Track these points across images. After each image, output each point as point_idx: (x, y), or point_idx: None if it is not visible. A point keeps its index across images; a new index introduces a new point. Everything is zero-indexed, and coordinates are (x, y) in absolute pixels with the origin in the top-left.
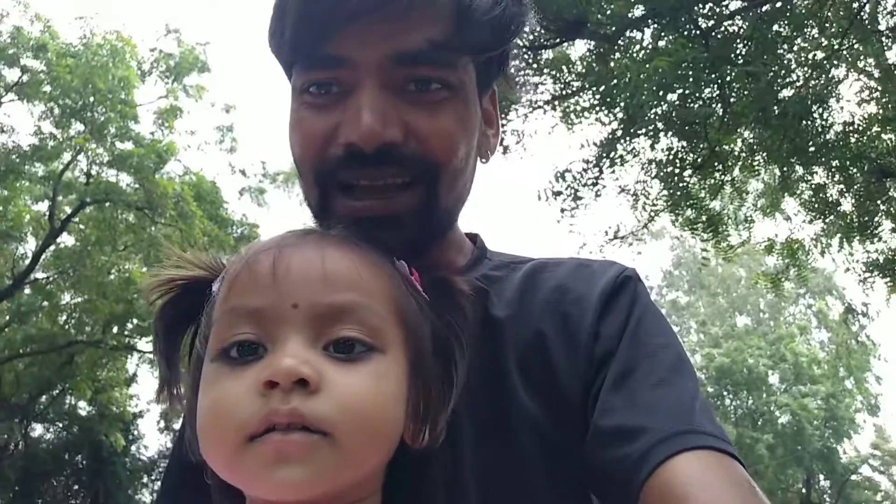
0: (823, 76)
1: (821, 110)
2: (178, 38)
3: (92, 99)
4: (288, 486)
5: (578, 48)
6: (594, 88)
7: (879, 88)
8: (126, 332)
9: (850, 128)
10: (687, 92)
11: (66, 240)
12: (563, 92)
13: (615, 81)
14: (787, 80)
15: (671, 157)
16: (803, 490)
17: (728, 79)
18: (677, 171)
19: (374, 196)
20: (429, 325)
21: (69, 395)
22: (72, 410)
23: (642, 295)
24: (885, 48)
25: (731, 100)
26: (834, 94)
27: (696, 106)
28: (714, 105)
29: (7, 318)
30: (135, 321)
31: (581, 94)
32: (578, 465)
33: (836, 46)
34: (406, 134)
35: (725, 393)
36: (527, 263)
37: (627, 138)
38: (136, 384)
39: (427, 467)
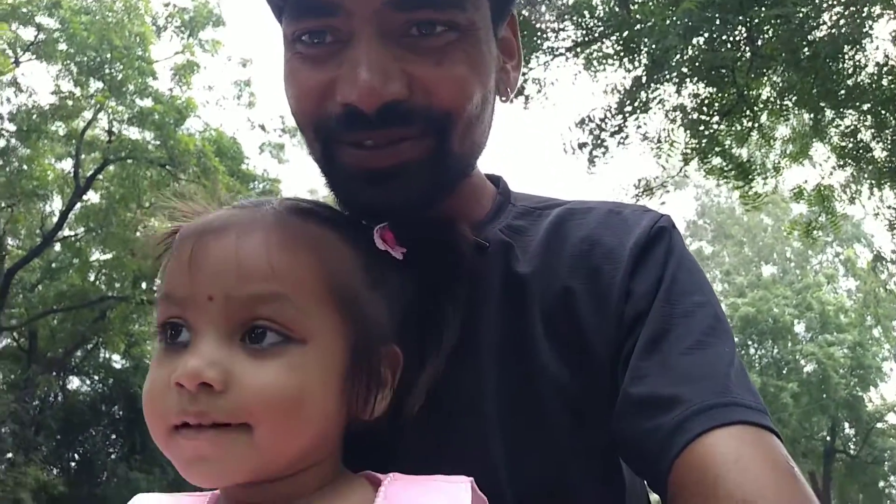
0: (856, 15)
1: (853, 51)
2: None
3: (109, 56)
4: (207, 480)
5: None
6: (617, 34)
7: None
8: (154, 288)
9: (884, 69)
10: (714, 35)
11: (92, 197)
12: (585, 38)
13: (639, 26)
14: (818, 20)
15: (698, 103)
16: (828, 438)
17: (756, 21)
18: (704, 117)
19: (379, 147)
20: (398, 290)
21: (103, 349)
22: (106, 364)
23: (677, 246)
24: None
25: (760, 42)
26: (868, 34)
27: (724, 49)
28: (742, 48)
29: (39, 275)
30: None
31: (604, 40)
32: (607, 432)
33: None
34: (410, 87)
35: (750, 343)
36: (554, 209)
37: (652, 85)
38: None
39: (408, 431)
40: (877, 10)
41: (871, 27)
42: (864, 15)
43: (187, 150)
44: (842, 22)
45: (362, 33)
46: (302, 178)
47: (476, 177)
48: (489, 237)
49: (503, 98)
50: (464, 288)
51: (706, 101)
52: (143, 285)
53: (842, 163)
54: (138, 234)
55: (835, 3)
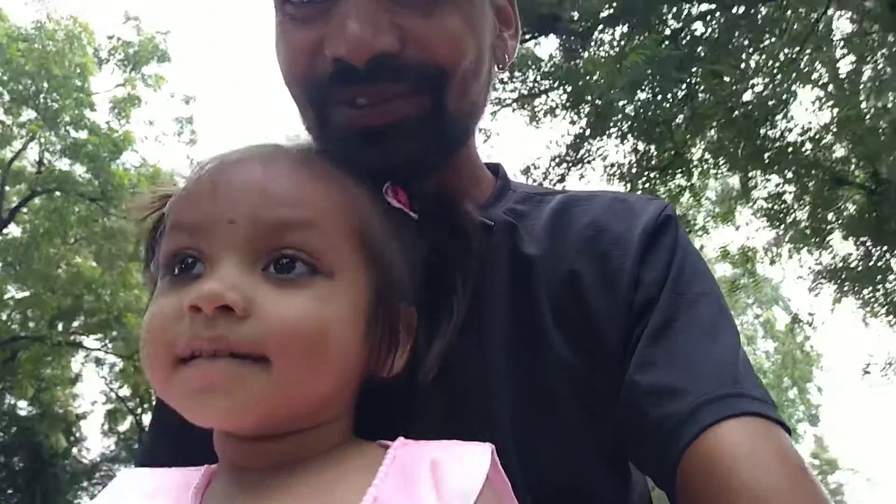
0: (783, 83)
1: (780, 116)
2: (137, 27)
3: (46, 85)
4: (214, 416)
5: (545, 48)
6: (564, 87)
7: (832, 99)
8: (72, 329)
9: (807, 135)
10: (655, 91)
11: (14, 231)
12: (532, 90)
13: (586, 79)
14: (750, 84)
15: (637, 158)
16: None
17: (695, 80)
18: (642, 172)
19: (374, 105)
20: (414, 248)
21: (9, 394)
22: (11, 410)
23: (683, 236)
24: (838, 59)
25: (697, 101)
26: (791, 102)
27: (664, 106)
28: (681, 106)
29: None
30: (82, 317)
31: (549, 93)
32: (614, 414)
33: (794, 55)
34: (402, 40)
35: None
36: (555, 195)
37: (595, 138)
38: (80, 383)
39: (425, 399)
40: (800, 80)
41: (794, 94)
42: (787, 84)
43: (121, 184)
44: (767, 90)
45: None
46: None
47: (476, 158)
48: (493, 217)
49: (500, 66)
50: (473, 259)
51: (645, 157)
52: (60, 326)
53: (767, 224)
54: (61, 270)
55: (764, 68)
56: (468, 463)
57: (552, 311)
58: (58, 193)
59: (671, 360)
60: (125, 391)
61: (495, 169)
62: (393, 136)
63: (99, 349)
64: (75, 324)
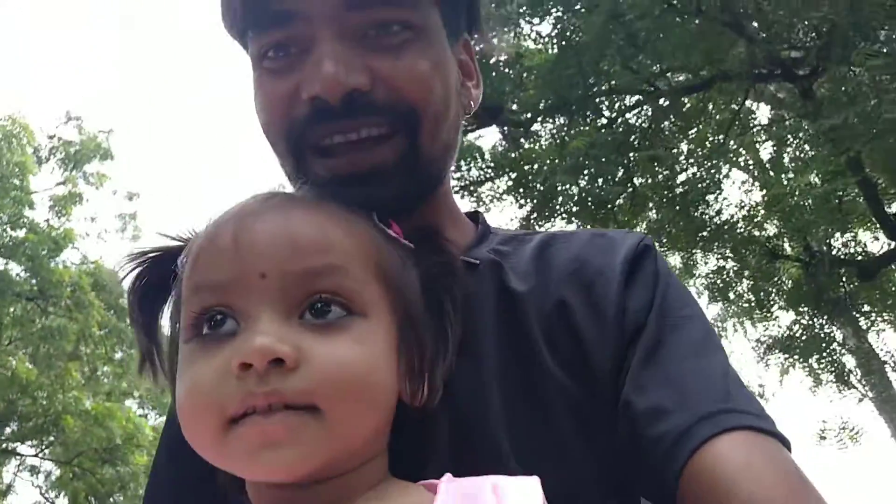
0: (713, 167)
1: (714, 196)
2: (79, 126)
3: None
4: (278, 469)
5: (488, 139)
6: (509, 174)
7: (758, 180)
8: (5, 436)
9: (740, 214)
10: (597, 174)
11: None
12: (478, 178)
13: (530, 166)
14: (682, 168)
15: None
16: None
17: (632, 164)
18: None
19: (350, 152)
20: (416, 278)
21: None
22: None
23: (663, 264)
24: (759, 144)
25: (637, 182)
26: (722, 183)
27: (606, 188)
28: (621, 187)
29: None
30: (16, 423)
31: (495, 180)
32: (613, 438)
33: (721, 141)
34: (373, 80)
35: None
36: (535, 236)
37: (542, 221)
38: (13, 494)
39: (432, 425)
40: (726, 164)
41: (726, 176)
42: (716, 168)
43: (60, 281)
44: (699, 173)
45: (322, 36)
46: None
47: (453, 203)
48: (478, 257)
49: (466, 112)
50: (459, 284)
51: None
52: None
53: (711, 298)
54: (26, 380)
55: (694, 154)
56: (526, 487)
57: (544, 339)
58: None
59: (663, 382)
60: (62, 501)
61: (475, 217)
62: (370, 181)
63: (34, 455)
64: (7, 430)
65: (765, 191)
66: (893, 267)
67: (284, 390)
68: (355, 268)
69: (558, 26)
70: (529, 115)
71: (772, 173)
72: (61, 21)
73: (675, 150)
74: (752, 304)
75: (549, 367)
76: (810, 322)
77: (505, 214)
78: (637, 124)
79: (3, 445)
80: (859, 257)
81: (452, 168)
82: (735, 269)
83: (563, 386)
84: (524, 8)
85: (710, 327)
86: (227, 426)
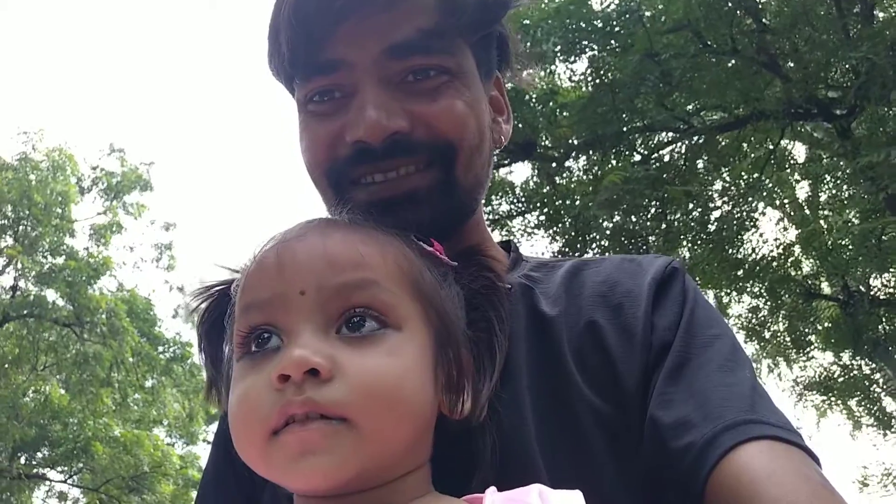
0: (746, 205)
1: (749, 234)
2: (121, 158)
3: (27, 212)
4: (315, 477)
5: (519, 173)
6: (541, 208)
7: (794, 219)
8: (36, 461)
9: (776, 252)
10: (631, 208)
11: None
12: (510, 212)
13: (562, 201)
14: (715, 205)
15: None
16: None
17: (667, 198)
18: None
19: (389, 183)
20: (457, 295)
21: None
22: None
23: (691, 284)
24: (795, 182)
25: (671, 218)
26: (757, 221)
27: (640, 223)
28: (655, 223)
29: None
30: (47, 448)
31: (526, 214)
32: (641, 453)
33: (754, 179)
34: (412, 122)
35: None
36: (566, 262)
37: (574, 255)
38: None
39: (477, 439)
40: (761, 203)
41: (762, 213)
42: (751, 206)
43: (97, 308)
44: (735, 209)
45: (365, 83)
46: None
47: (486, 232)
48: (510, 282)
49: (497, 146)
50: (504, 303)
51: None
52: (23, 459)
53: (746, 338)
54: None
55: (728, 191)
56: (570, 500)
57: (574, 359)
58: (30, 319)
59: (689, 396)
60: None
61: (507, 245)
62: (407, 205)
63: (63, 482)
64: (39, 455)
65: (800, 229)
66: None
67: (319, 400)
68: (389, 282)
69: (593, 65)
70: (562, 151)
71: (808, 212)
72: (107, 52)
73: (709, 188)
74: (788, 344)
75: (579, 385)
76: (849, 363)
77: (536, 249)
78: (671, 161)
79: (34, 470)
80: None
81: (483, 202)
82: (770, 308)
83: (593, 403)
84: (559, 47)
85: (737, 345)
86: (270, 437)
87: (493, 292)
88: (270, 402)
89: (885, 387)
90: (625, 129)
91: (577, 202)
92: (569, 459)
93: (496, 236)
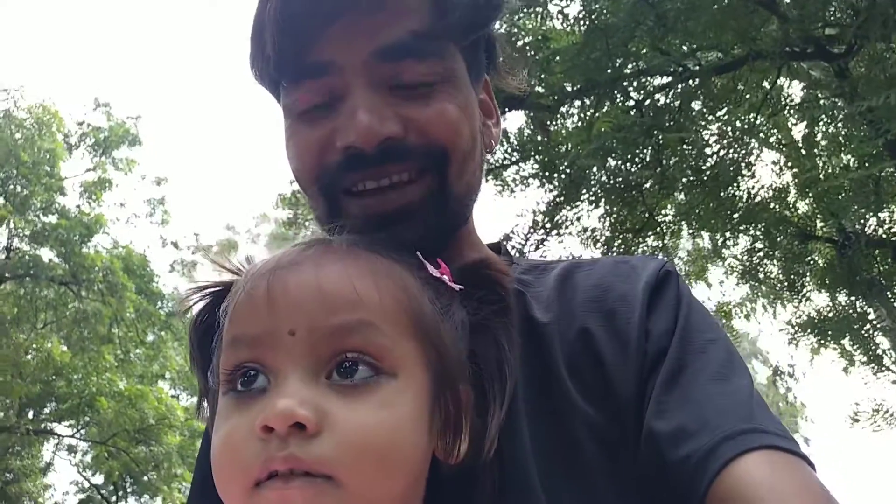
0: (742, 148)
1: (744, 177)
2: (107, 112)
3: (15, 172)
4: None
5: (513, 122)
6: (535, 157)
7: (791, 161)
8: (43, 416)
9: (772, 194)
10: (625, 156)
11: None
12: (503, 162)
13: (556, 149)
14: (711, 150)
15: (611, 222)
16: None
17: (661, 144)
18: (616, 235)
19: (381, 193)
20: (460, 324)
21: None
22: None
23: (685, 288)
24: (792, 125)
25: (665, 164)
26: (752, 164)
27: (634, 171)
28: (650, 169)
29: None
30: (53, 404)
31: (520, 164)
32: (636, 472)
33: (750, 121)
34: (405, 127)
35: None
36: (557, 265)
37: (569, 204)
38: (52, 472)
39: (474, 480)
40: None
41: (758, 157)
42: (747, 148)
43: (93, 266)
44: (731, 152)
45: (355, 86)
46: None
47: (476, 237)
48: None
49: (487, 150)
50: (513, 324)
51: (618, 220)
52: (31, 414)
53: (740, 281)
54: (30, 356)
55: (723, 135)
56: None
57: (567, 368)
58: (27, 279)
59: (686, 405)
60: (98, 479)
61: (496, 248)
62: (403, 219)
63: (71, 436)
64: (46, 411)
65: (797, 171)
66: None
67: (304, 457)
68: (386, 324)
69: (586, 7)
70: (556, 98)
71: (804, 153)
72: (90, 5)
73: (704, 132)
74: (783, 285)
75: (572, 395)
76: (843, 303)
77: (531, 198)
78: (666, 105)
79: (42, 425)
80: (894, 238)
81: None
82: (766, 249)
83: (587, 414)
84: None
85: (733, 350)
86: (252, 488)
87: (504, 316)
88: (254, 451)
89: (877, 326)
90: (619, 74)
91: (572, 151)
92: (563, 472)
93: (489, 187)
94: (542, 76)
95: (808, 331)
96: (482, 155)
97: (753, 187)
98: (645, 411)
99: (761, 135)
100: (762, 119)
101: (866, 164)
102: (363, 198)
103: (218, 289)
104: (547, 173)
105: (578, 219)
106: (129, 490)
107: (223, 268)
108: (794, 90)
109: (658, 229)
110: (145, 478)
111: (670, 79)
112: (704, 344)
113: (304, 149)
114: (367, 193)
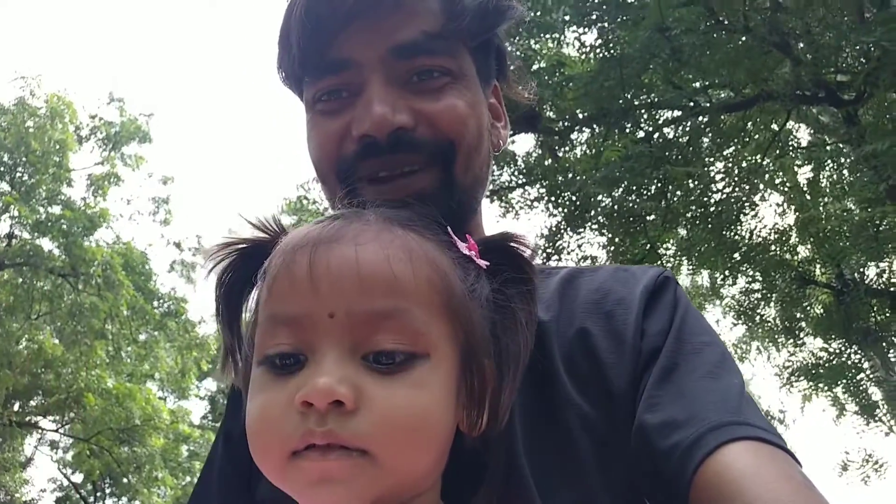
0: (747, 187)
1: (749, 217)
2: (121, 108)
3: (24, 159)
4: (331, 503)
5: (522, 145)
6: (542, 181)
7: (794, 203)
8: (29, 409)
9: (773, 236)
10: (631, 186)
11: None
12: (510, 183)
13: (563, 175)
14: (716, 187)
15: (612, 251)
16: None
17: (668, 177)
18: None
19: (395, 180)
20: (485, 298)
21: None
22: None
23: (682, 295)
24: (797, 167)
25: (671, 197)
26: (758, 205)
27: (639, 201)
28: (655, 201)
29: None
30: (40, 397)
31: (527, 186)
32: (629, 461)
33: (757, 161)
34: (416, 119)
35: None
36: (561, 270)
37: (572, 231)
38: (32, 468)
39: (491, 450)
40: (762, 185)
41: (763, 197)
42: (751, 188)
43: (93, 259)
44: (734, 193)
45: (372, 79)
46: (210, 301)
47: (484, 230)
48: None
49: (495, 150)
50: (534, 300)
51: (619, 250)
52: (17, 406)
53: (737, 321)
54: (21, 346)
55: (730, 173)
56: None
57: (564, 364)
58: (26, 268)
59: (676, 399)
60: (77, 477)
61: None
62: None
63: (55, 430)
64: (32, 403)
65: (799, 214)
66: None
67: (341, 433)
68: (421, 308)
69: (603, 37)
70: (567, 124)
71: (808, 196)
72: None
73: (711, 168)
74: (779, 329)
75: (567, 390)
76: (838, 350)
77: (535, 222)
78: (674, 139)
79: (27, 418)
80: (893, 288)
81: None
82: (763, 291)
83: (581, 408)
84: (569, 17)
85: (727, 352)
86: (289, 457)
87: (527, 295)
88: (293, 424)
89: (871, 376)
90: (631, 104)
91: (579, 178)
92: (555, 462)
93: (495, 208)
94: (555, 101)
95: (802, 376)
96: (489, 153)
97: (756, 227)
98: (637, 406)
99: (766, 176)
100: (769, 160)
101: (868, 209)
102: (379, 185)
103: (246, 246)
104: (553, 198)
105: (580, 246)
106: (107, 491)
107: (253, 225)
108: (802, 134)
109: (658, 262)
110: (125, 479)
111: (680, 113)
112: (699, 345)
113: (324, 139)
114: (383, 180)
